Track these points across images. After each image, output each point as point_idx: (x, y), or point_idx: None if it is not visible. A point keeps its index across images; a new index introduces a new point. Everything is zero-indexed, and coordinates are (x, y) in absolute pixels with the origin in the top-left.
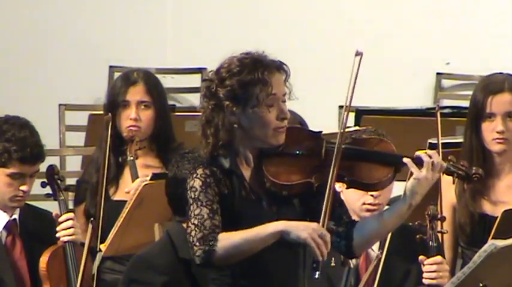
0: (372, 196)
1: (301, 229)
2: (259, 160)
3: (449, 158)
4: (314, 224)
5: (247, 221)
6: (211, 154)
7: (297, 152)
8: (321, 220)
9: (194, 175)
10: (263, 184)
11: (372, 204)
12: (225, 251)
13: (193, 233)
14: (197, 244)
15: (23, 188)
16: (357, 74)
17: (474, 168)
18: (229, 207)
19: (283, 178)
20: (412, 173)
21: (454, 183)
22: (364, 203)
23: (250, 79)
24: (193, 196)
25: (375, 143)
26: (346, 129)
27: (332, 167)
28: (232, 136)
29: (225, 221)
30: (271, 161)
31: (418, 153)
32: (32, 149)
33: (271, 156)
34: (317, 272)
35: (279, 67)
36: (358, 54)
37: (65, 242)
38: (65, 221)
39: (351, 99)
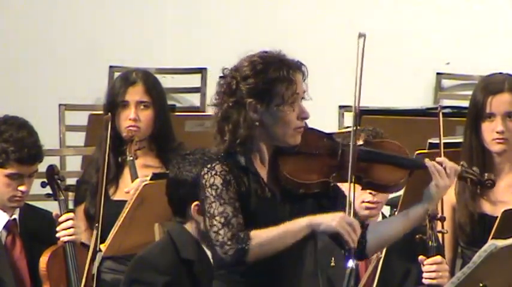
0: (370, 193)
1: (331, 219)
2: (274, 158)
3: (461, 163)
4: (341, 214)
5: (262, 220)
6: (227, 151)
7: (315, 151)
8: (347, 212)
9: (213, 172)
10: (278, 182)
11: (371, 202)
12: (258, 249)
13: (221, 231)
14: (228, 242)
15: (22, 188)
16: (363, 56)
17: (486, 174)
18: (246, 205)
19: (302, 177)
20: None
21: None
22: (363, 201)
23: (275, 77)
24: (214, 194)
25: (388, 146)
26: (346, 130)
27: (350, 166)
28: (252, 133)
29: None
30: (288, 159)
31: (429, 161)
32: (30, 150)
33: (287, 155)
34: (350, 261)
35: (300, 66)
36: (361, 36)
37: (65, 242)
38: (65, 221)
39: (360, 86)
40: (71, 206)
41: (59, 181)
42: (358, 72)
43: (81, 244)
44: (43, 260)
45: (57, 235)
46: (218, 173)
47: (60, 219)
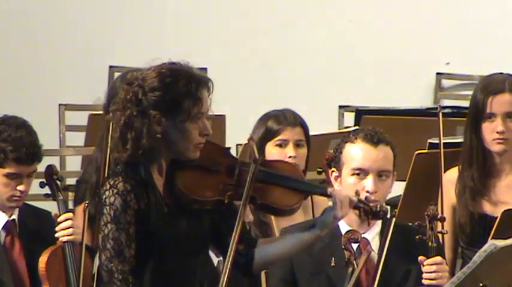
0: (367, 192)
1: None
2: (170, 171)
3: (356, 191)
4: None
5: (162, 234)
6: (128, 160)
7: (213, 168)
8: (231, 243)
9: (114, 191)
10: (173, 195)
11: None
12: None
13: (115, 261)
14: (119, 277)
15: (20, 188)
16: (252, 178)
17: (379, 206)
18: (146, 220)
19: (197, 193)
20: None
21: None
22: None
23: (183, 92)
24: (112, 214)
25: (284, 167)
26: (346, 130)
27: (246, 189)
28: (154, 145)
29: (140, 236)
30: (184, 174)
31: (329, 190)
32: (28, 149)
33: (184, 169)
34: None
35: (207, 82)
36: (250, 139)
37: (64, 242)
38: (64, 221)
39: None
40: (70, 206)
41: (57, 181)
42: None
43: (81, 244)
44: (42, 260)
45: (56, 235)
46: (119, 193)
47: (59, 219)
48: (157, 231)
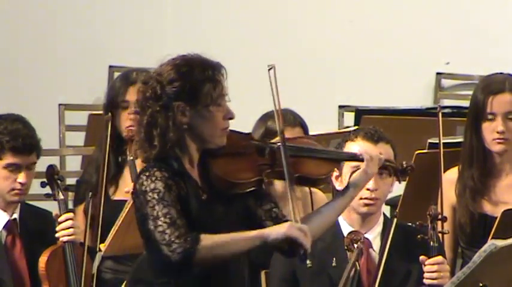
0: (368, 189)
1: (279, 228)
2: (203, 161)
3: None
4: (287, 223)
5: (203, 222)
6: (158, 156)
7: (243, 151)
8: (292, 218)
9: (153, 178)
10: (208, 184)
11: (369, 198)
12: (206, 252)
13: (168, 231)
14: (176, 241)
15: (21, 179)
16: (277, 87)
17: (405, 162)
18: (187, 209)
19: (236, 176)
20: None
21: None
22: (361, 198)
23: (202, 78)
24: (156, 197)
25: (307, 142)
26: (346, 129)
27: (284, 164)
28: (181, 137)
29: None
30: (218, 161)
31: (358, 152)
32: (24, 139)
33: (217, 156)
34: (307, 261)
35: (221, 67)
36: (271, 68)
37: (65, 242)
38: (65, 221)
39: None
40: (70, 206)
41: (58, 181)
42: (276, 103)
43: (81, 244)
44: (42, 260)
45: (57, 235)
46: (159, 178)
47: (60, 219)
48: (198, 219)
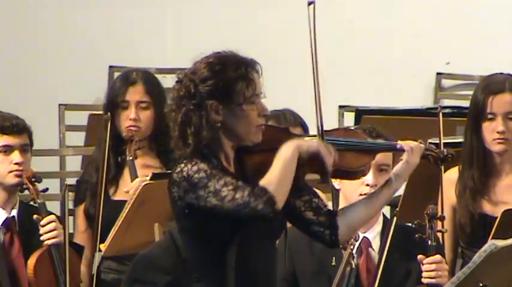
0: (367, 185)
1: (311, 141)
2: (239, 158)
3: (419, 141)
4: (317, 140)
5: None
6: (193, 154)
7: (279, 146)
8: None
9: (193, 163)
10: (247, 181)
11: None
12: (278, 191)
13: (237, 195)
14: (252, 199)
15: (16, 159)
16: (314, 25)
17: (445, 150)
18: None
19: None
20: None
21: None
22: (361, 194)
23: (235, 76)
24: (205, 175)
25: (344, 134)
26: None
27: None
28: (215, 135)
29: (226, 221)
30: (254, 157)
31: (398, 142)
32: (12, 120)
33: (252, 153)
34: (330, 179)
35: (255, 65)
36: (311, 3)
37: (50, 245)
38: (47, 224)
39: (316, 64)
40: (70, 206)
41: (36, 183)
42: (313, 42)
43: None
44: (30, 264)
45: (41, 238)
46: (200, 162)
47: (42, 222)
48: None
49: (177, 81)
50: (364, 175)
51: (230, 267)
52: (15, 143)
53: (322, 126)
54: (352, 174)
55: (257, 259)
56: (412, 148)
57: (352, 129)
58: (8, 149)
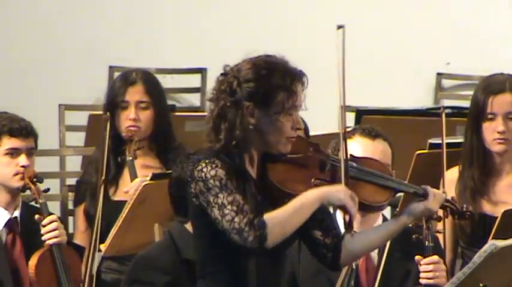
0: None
1: (338, 191)
2: (263, 164)
3: (444, 190)
4: (343, 187)
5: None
6: (221, 151)
7: (304, 162)
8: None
9: (214, 165)
10: (264, 187)
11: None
12: (276, 230)
13: (236, 219)
14: (246, 229)
15: (22, 162)
16: (344, 49)
17: (465, 206)
18: None
19: (290, 186)
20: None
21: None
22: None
23: (278, 85)
24: (219, 184)
25: (373, 165)
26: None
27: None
28: (246, 136)
29: None
30: (277, 167)
31: (422, 187)
32: (20, 123)
33: (276, 161)
34: (353, 231)
35: (302, 77)
36: (340, 27)
37: (51, 244)
38: (49, 223)
39: (343, 83)
40: (70, 206)
41: (37, 183)
42: (340, 69)
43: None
44: (31, 264)
45: (42, 238)
46: (220, 166)
47: (44, 222)
48: None
49: (221, 74)
50: (381, 210)
51: (251, 272)
52: (23, 146)
53: (347, 171)
54: (367, 207)
55: (265, 265)
56: (435, 196)
57: (379, 162)
58: (14, 152)
